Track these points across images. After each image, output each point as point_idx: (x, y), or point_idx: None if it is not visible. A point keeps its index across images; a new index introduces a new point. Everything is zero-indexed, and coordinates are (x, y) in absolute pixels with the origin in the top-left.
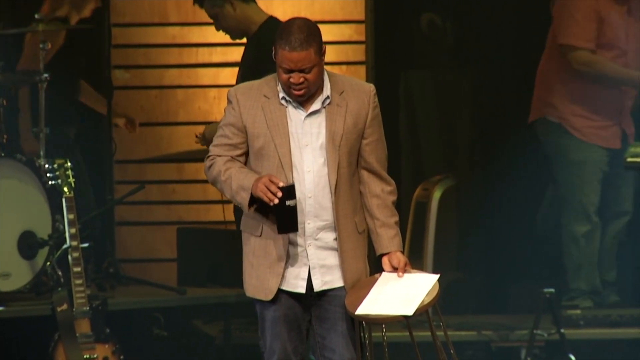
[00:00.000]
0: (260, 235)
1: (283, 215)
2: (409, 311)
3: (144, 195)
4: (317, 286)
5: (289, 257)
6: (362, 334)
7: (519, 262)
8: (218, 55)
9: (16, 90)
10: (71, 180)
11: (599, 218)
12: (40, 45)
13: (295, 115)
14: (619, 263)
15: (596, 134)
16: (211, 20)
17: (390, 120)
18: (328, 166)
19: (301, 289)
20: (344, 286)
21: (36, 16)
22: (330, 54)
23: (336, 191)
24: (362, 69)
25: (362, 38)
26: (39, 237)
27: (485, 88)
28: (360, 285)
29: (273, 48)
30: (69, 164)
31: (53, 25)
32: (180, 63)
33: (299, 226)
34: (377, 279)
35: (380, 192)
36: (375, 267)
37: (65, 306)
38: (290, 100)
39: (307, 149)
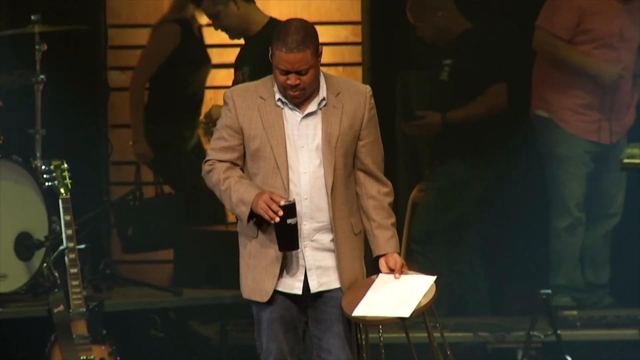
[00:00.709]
0: (256, 237)
1: (284, 234)
2: (406, 313)
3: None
4: (314, 287)
5: (286, 259)
6: (358, 336)
7: (516, 264)
8: (214, 57)
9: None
10: (68, 181)
11: (583, 214)
12: (36, 47)
13: (291, 117)
14: (614, 264)
15: (585, 128)
16: (208, 21)
17: (386, 122)
18: (324, 168)
19: (297, 290)
20: (340, 287)
21: (32, 17)
22: (327, 55)
23: (332, 193)
24: (358, 70)
25: (359, 39)
26: (35, 239)
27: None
28: (357, 287)
29: (270, 49)
30: (66, 165)
31: (49, 26)
32: None
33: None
34: (374, 280)
35: (376, 194)
36: (372, 268)
37: (61, 307)
38: (287, 101)
39: (303, 151)
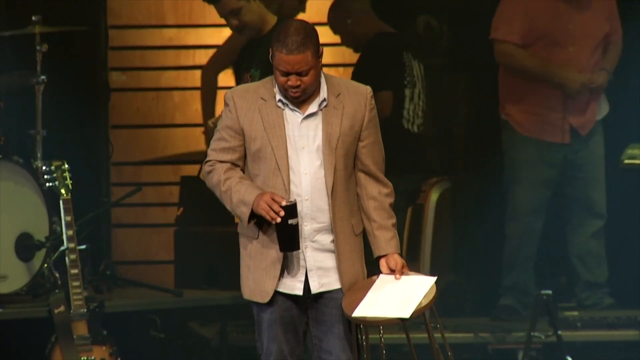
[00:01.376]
0: (257, 238)
1: (285, 234)
2: (406, 314)
3: (141, 197)
4: (315, 288)
5: (286, 260)
6: (359, 336)
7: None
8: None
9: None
10: (68, 182)
11: (537, 218)
12: (37, 47)
13: (292, 118)
14: (615, 264)
15: (542, 129)
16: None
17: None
18: (324, 168)
19: (298, 291)
20: (341, 288)
21: (33, 18)
22: (327, 56)
23: (332, 193)
24: None
25: None
26: (36, 239)
27: (480, 90)
28: (357, 288)
29: (270, 50)
30: (66, 165)
31: (50, 27)
32: (177, 65)
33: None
34: (375, 281)
35: (377, 195)
36: (373, 269)
37: (62, 308)
38: (287, 102)
39: (304, 152)
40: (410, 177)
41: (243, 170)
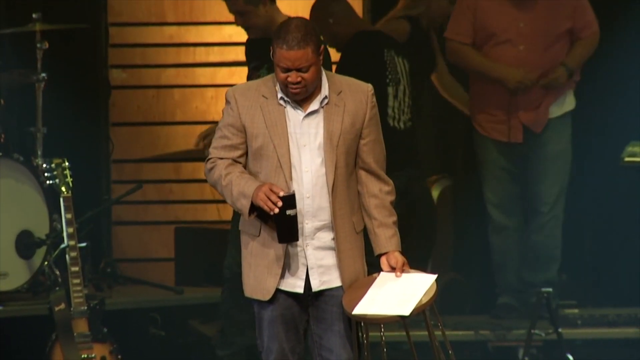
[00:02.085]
0: (258, 236)
1: (283, 225)
2: (406, 311)
3: (141, 195)
4: (315, 286)
5: (287, 257)
6: (359, 334)
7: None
8: (215, 55)
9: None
10: (69, 180)
11: (508, 216)
12: (38, 45)
13: (293, 116)
14: (615, 264)
15: (495, 128)
16: (208, 20)
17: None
18: (326, 166)
19: (299, 289)
20: (341, 286)
21: (34, 15)
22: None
23: (333, 191)
24: None
25: None
26: (36, 237)
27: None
28: (358, 285)
29: (271, 47)
30: (67, 163)
31: (51, 25)
32: (177, 63)
33: (298, 226)
34: (375, 278)
35: (378, 192)
36: (372, 267)
37: (62, 306)
38: (289, 100)
39: (306, 149)
40: (398, 175)
41: (245, 168)
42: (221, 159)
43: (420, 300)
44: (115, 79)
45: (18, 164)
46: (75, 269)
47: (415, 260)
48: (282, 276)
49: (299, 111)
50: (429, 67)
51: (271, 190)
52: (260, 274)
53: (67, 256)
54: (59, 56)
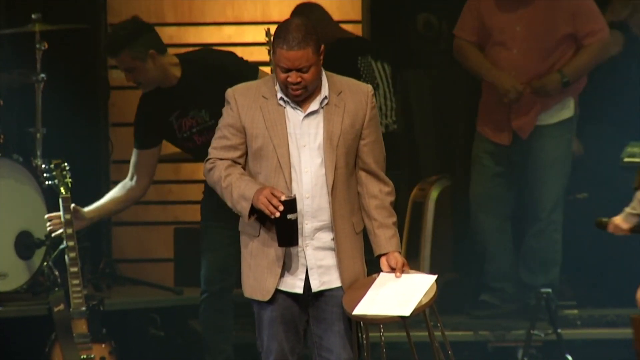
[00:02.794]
0: (258, 236)
1: (284, 229)
2: (406, 312)
3: None
4: (315, 286)
5: (287, 258)
6: (359, 334)
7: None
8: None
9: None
10: (68, 180)
11: (492, 214)
12: (37, 46)
13: (293, 116)
14: (615, 264)
15: (487, 126)
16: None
17: None
18: (325, 167)
19: (299, 289)
20: (341, 286)
21: (33, 16)
22: None
23: (333, 191)
24: None
25: None
26: (35, 237)
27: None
28: (358, 286)
29: (271, 47)
30: (66, 164)
31: (50, 25)
32: None
33: (298, 226)
34: (375, 279)
35: (378, 193)
36: (374, 267)
37: (62, 306)
38: (289, 100)
39: (305, 150)
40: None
41: (244, 168)
42: (221, 159)
43: (420, 300)
44: (114, 79)
45: (17, 165)
46: (74, 269)
47: None
48: (282, 276)
49: (298, 111)
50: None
51: (272, 194)
52: (259, 274)
53: (66, 257)
54: (59, 57)
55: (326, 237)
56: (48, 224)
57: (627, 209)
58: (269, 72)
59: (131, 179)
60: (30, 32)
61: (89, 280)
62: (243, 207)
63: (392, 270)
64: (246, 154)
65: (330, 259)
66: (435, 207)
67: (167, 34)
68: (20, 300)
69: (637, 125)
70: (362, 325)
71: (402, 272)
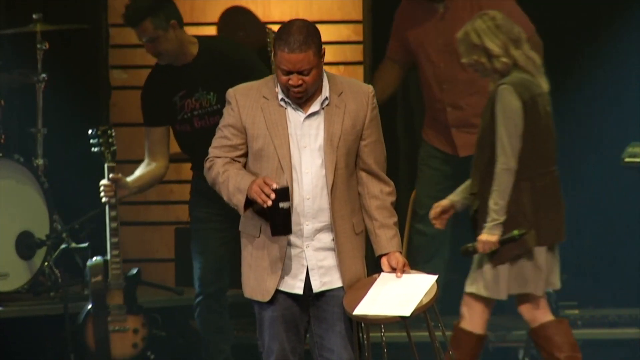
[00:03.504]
0: (258, 236)
1: (276, 218)
2: (406, 312)
3: (142, 195)
4: (316, 287)
5: (287, 259)
6: (360, 335)
7: None
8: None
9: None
10: (114, 148)
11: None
12: (38, 46)
13: (294, 117)
14: (615, 264)
15: (436, 136)
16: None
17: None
18: (326, 167)
19: (299, 290)
20: (342, 287)
21: (34, 16)
22: (328, 54)
23: (333, 192)
24: (359, 69)
25: (360, 38)
26: (36, 238)
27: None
28: (358, 286)
29: (272, 49)
30: (112, 131)
31: (51, 25)
32: None
33: (298, 227)
34: (376, 279)
35: (379, 193)
36: (375, 268)
37: (99, 277)
38: (289, 101)
39: (306, 150)
40: None
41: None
42: (219, 158)
43: (421, 300)
44: (115, 79)
45: (18, 165)
46: (114, 240)
47: None
48: (282, 277)
49: (299, 112)
50: None
51: (265, 182)
52: (260, 274)
53: (107, 227)
54: (60, 57)
55: (327, 238)
56: (102, 189)
57: (488, 224)
58: None
59: (147, 159)
60: (31, 32)
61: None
62: (238, 200)
63: (393, 270)
64: (246, 154)
65: (330, 259)
66: None
67: None
68: (21, 300)
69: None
70: (362, 325)
71: (403, 272)
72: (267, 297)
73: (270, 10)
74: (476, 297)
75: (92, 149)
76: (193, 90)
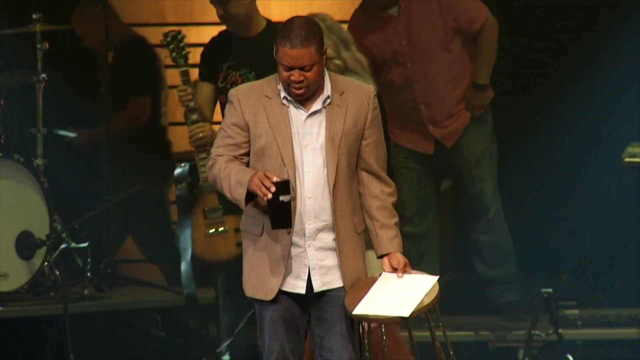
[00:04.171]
0: (261, 235)
1: (276, 211)
2: (406, 312)
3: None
4: (317, 287)
5: (289, 258)
6: (360, 334)
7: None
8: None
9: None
10: (185, 52)
11: (420, 218)
12: (38, 46)
13: (296, 116)
14: (615, 264)
15: (407, 137)
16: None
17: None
18: (327, 167)
19: (301, 289)
20: (343, 287)
21: (34, 16)
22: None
23: (334, 191)
24: None
25: None
26: (36, 238)
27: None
28: (359, 286)
29: (274, 46)
30: (183, 34)
31: (51, 25)
32: None
33: (300, 227)
34: (377, 279)
35: (379, 194)
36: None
37: (184, 184)
38: (292, 99)
39: (308, 149)
40: None
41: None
42: (222, 156)
43: (422, 301)
44: None
45: (18, 165)
46: (194, 116)
47: None
48: (284, 277)
49: (301, 111)
50: None
51: (265, 175)
52: (262, 273)
53: (189, 128)
54: (59, 57)
55: (328, 238)
56: (180, 95)
57: None
58: None
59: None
60: (31, 32)
61: (90, 281)
62: (239, 194)
63: (394, 270)
64: (249, 153)
65: (331, 259)
66: None
67: None
68: (21, 300)
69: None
70: (363, 325)
71: (404, 272)
72: (270, 296)
73: (270, 9)
74: None
75: (172, 53)
76: (241, 65)
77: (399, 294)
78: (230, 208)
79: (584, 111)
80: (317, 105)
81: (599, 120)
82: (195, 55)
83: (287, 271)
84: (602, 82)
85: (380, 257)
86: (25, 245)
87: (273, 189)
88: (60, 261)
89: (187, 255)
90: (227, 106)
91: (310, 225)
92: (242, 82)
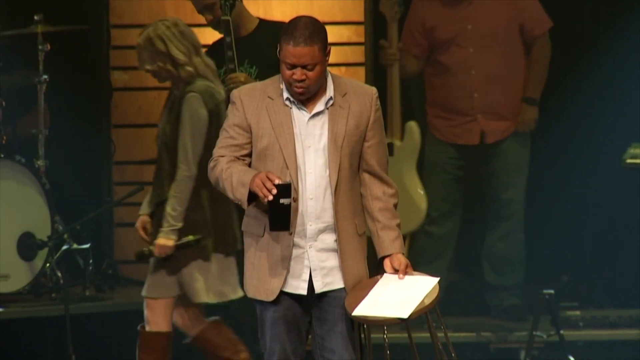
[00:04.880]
0: (262, 236)
1: (276, 213)
2: (405, 314)
3: (143, 196)
4: (318, 288)
5: (291, 259)
6: (361, 335)
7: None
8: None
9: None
10: (230, 1)
11: (447, 218)
12: (39, 47)
13: (299, 116)
14: (615, 264)
15: (452, 132)
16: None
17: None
18: (329, 168)
19: (302, 290)
20: (344, 287)
21: (35, 17)
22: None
23: (336, 192)
24: (361, 70)
25: (361, 39)
26: (38, 239)
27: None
28: (360, 287)
29: (278, 45)
30: None
31: (52, 27)
32: None
33: (301, 227)
34: (378, 280)
35: (381, 195)
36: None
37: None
38: (294, 100)
39: (310, 150)
40: None
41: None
42: (224, 157)
43: (423, 302)
44: (116, 80)
45: (20, 166)
46: (231, 66)
47: None
48: (285, 278)
49: (304, 112)
50: None
51: (267, 177)
52: (263, 274)
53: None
54: (61, 58)
55: (329, 239)
56: (228, 79)
57: (165, 228)
58: None
59: None
60: (32, 33)
61: (91, 281)
62: (241, 194)
63: (396, 271)
64: (251, 154)
65: (333, 260)
66: None
67: None
68: (22, 301)
69: (639, 127)
70: (364, 326)
71: (405, 273)
72: (271, 297)
73: (271, 10)
74: (154, 298)
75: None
76: (240, 63)
77: (399, 295)
78: None
79: (585, 112)
80: (319, 106)
81: (599, 121)
82: None
83: (289, 272)
84: (603, 82)
85: (382, 258)
86: (26, 246)
87: (274, 191)
88: (61, 262)
89: None
90: (230, 107)
91: (311, 226)
92: (245, 78)
